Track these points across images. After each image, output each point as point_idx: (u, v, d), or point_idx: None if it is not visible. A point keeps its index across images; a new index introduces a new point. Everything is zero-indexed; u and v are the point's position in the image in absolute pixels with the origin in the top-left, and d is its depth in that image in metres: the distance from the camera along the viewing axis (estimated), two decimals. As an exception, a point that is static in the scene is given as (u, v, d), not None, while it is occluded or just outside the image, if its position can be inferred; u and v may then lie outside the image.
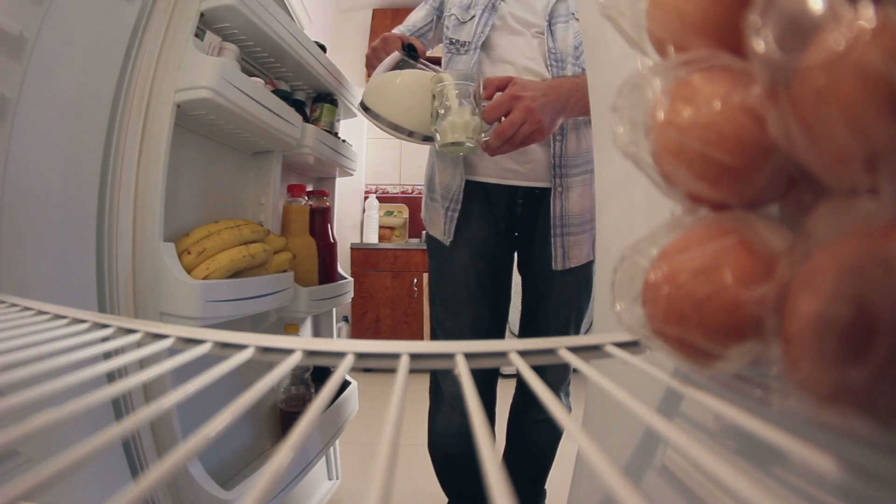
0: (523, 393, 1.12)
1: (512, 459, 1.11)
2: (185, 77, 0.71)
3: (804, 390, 0.16)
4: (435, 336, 1.08)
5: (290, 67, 1.04)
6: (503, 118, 0.78)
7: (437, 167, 1.03)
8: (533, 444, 1.09)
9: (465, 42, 1.00)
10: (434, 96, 0.80)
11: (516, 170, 0.97)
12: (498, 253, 1.02)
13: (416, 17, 1.13)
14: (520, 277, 1.10)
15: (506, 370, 2.43)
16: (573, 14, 0.97)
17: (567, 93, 0.82)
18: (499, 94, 0.80)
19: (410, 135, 0.84)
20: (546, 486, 1.14)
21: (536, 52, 0.97)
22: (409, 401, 0.22)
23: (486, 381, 1.04)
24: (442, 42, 1.09)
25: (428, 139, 0.84)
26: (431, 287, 1.08)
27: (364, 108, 0.87)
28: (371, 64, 0.96)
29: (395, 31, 1.08)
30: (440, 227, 1.02)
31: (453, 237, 1.00)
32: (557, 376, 1.03)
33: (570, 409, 1.09)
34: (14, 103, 0.53)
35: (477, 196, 0.99)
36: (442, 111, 0.77)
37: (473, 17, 1.00)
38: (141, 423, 0.19)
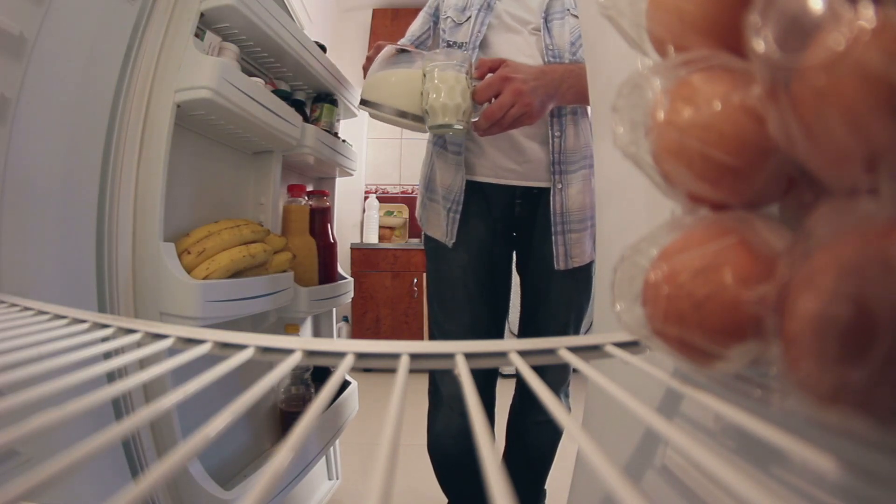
0: (523, 394, 1.11)
1: (511, 461, 1.11)
2: (185, 77, 0.71)
3: (804, 390, 0.16)
4: (433, 338, 1.08)
5: (290, 67, 1.04)
6: (493, 99, 0.78)
7: (438, 167, 1.02)
8: (532, 446, 1.08)
9: (462, 43, 0.99)
10: (425, 76, 0.79)
11: (514, 169, 0.96)
12: (497, 253, 1.02)
13: (414, 28, 1.12)
14: (518, 277, 1.10)
15: (505, 370, 2.42)
16: (569, 10, 0.97)
17: (560, 78, 0.82)
18: (490, 75, 0.80)
19: (416, 119, 0.82)
20: (546, 486, 1.14)
21: (534, 49, 0.97)
22: (409, 401, 0.22)
23: (486, 381, 1.03)
24: (440, 47, 1.07)
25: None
26: (430, 289, 1.07)
27: (364, 102, 0.86)
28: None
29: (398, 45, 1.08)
30: (441, 228, 1.01)
31: (455, 238, 0.99)
32: (557, 377, 1.03)
33: (569, 409, 1.09)
34: (14, 103, 0.53)
35: (475, 196, 0.99)
36: (434, 94, 0.76)
37: (469, 17, 0.99)
38: (141, 423, 0.19)
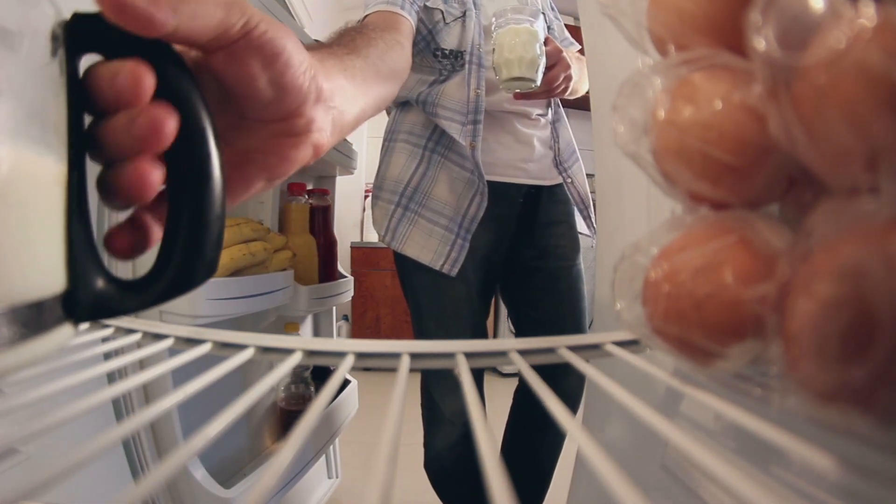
0: (526, 409, 1.07)
1: (513, 479, 1.07)
2: (184, 76, 0.71)
3: (804, 389, 0.16)
4: None
5: (290, 66, 1.03)
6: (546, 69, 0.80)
7: (441, 179, 0.91)
8: (535, 464, 1.06)
9: (457, 52, 0.88)
10: (495, 30, 0.77)
11: (523, 168, 0.97)
12: (496, 256, 1.00)
13: None
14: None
15: (505, 369, 2.42)
16: (543, 13, 0.96)
17: (577, 69, 0.87)
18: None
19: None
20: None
21: None
22: (409, 400, 0.22)
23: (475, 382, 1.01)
24: (425, 43, 0.89)
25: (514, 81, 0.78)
26: (419, 306, 0.95)
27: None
28: None
29: (388, 7, 0.77)
30: (432, 251, 0.90)
31: (459, 267, 0.89)
32: (573, 387, 0.96)
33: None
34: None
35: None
36: (509, 48, 0.75)
37: (461, 17, 0.88)
38: (141, 424, 0.19)
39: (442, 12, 0.87)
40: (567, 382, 0.94)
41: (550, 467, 1.06)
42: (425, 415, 1.02)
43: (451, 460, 0.97)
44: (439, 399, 0.97)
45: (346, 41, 0.49)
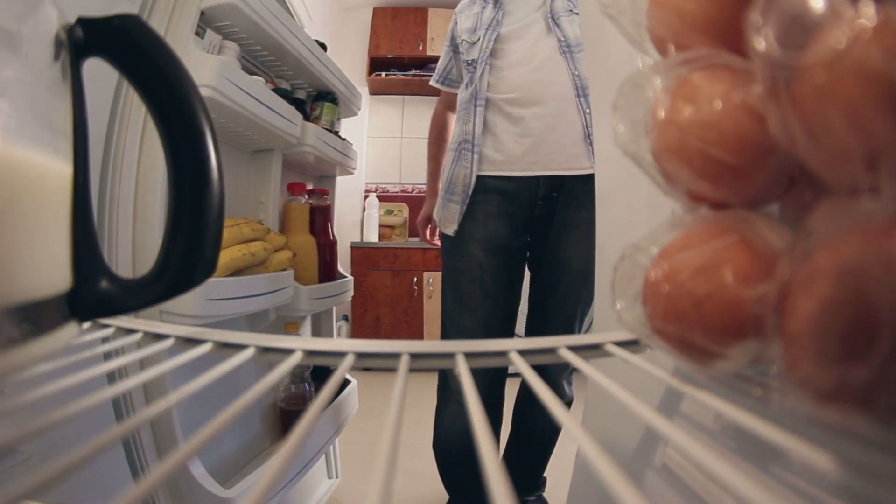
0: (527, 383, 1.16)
1: (515, 443, 1.17)
2: (184, 76, 0.71)
3: (804, 389, 0.16)
4: (445, 331, 1.15)
5: (291, 66, 1.04)
6: None
7: (457, 170, 1.13)
8: (536, 427, 1.15)
9: (475, 60, 1.12)
10: None
11: (537, 161, 1.05)
12: (512, 250, 1.10)
13: (441, 64, 1.28)
14: (528, 275, 1.19)
15: (514, 369, 2.42)
16: (571, 10, 1.05)
17: None
18: None
19: None
20: (545, 475, 1.17)
21: (544, 46, 1.05)
22: (409, 400, 0.22)
23: (495, 380, 1.10)
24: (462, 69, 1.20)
25: None
26: (445, 283, 1.15)
27: None
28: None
29: (432, 82, 1.31)
30: (449, 223, 1.12)
31: (458, 226, 1.10)
32: (558, 366, 1.09)
33: (572, 396, 1.17)
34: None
35: (495, 194, 1.07)
36: None
37: (479, 38, 1.12)
38: (141, 424, 0.19)
39: (466, 41, 1.15)
40: (547, 368, 1.02)
41: (552, 439, 1.18)
42: (439, 393, 1.13)
43: (456, 440, 1.05)
44: (450, 377, 1.08)
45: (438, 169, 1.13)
